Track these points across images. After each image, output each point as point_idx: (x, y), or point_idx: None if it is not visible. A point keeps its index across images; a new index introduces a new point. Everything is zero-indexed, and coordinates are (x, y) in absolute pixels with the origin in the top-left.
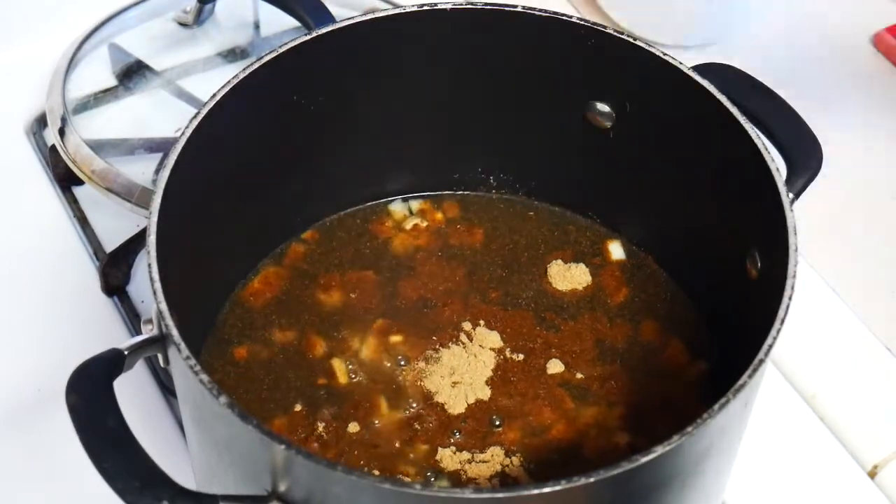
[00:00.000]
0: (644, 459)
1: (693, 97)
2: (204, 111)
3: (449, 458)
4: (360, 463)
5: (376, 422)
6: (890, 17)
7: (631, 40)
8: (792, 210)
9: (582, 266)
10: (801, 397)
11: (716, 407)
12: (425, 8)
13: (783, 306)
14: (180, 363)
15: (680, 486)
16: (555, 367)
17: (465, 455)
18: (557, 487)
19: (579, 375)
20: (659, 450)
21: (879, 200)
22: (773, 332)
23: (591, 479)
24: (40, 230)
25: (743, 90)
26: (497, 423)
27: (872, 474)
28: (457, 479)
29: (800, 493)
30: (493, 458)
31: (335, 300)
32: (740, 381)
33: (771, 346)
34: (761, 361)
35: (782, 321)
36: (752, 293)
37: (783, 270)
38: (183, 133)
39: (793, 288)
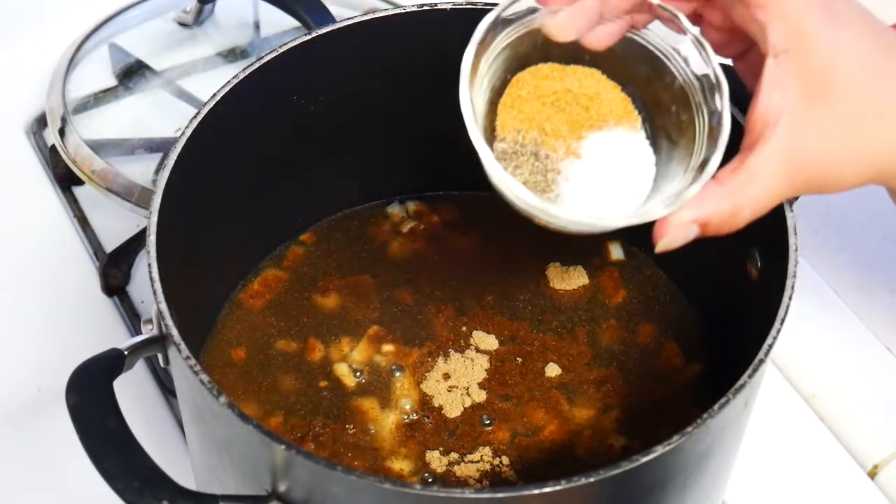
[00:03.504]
0: (644, 459)
1: None
2: (204, 111)
3: (437, 459)
4: (353, 465)
5: (372, 425)
6: (890, 18)
7: None
8: (792, 210)
9: (580, 268)
10: (801, 397)
11: (716, 407)
12: (425, 8)
13: (783, 306)
14: (180, 363)
15: (680, 487)
16: (552, 370)
17: (454, 455)
18: (558, 487)
19: (575, 378)
20: (659, 450)
21: (879, 200)
22: (773, 332)
23: (592, 479)
24: (40, 230)
25: (743, 90)
26: (487, 422)
27: (872, 474)
28: (445, 480)
29: (800, 493)
30: (483, 459)
31: (333, 304)
32: (740, 381)
33: (771, 346)
34: (761, 361)
35: (782, 321)
36: (752, 293)
37: (783, 270)
38: (183, 133)
39: (793, 288)
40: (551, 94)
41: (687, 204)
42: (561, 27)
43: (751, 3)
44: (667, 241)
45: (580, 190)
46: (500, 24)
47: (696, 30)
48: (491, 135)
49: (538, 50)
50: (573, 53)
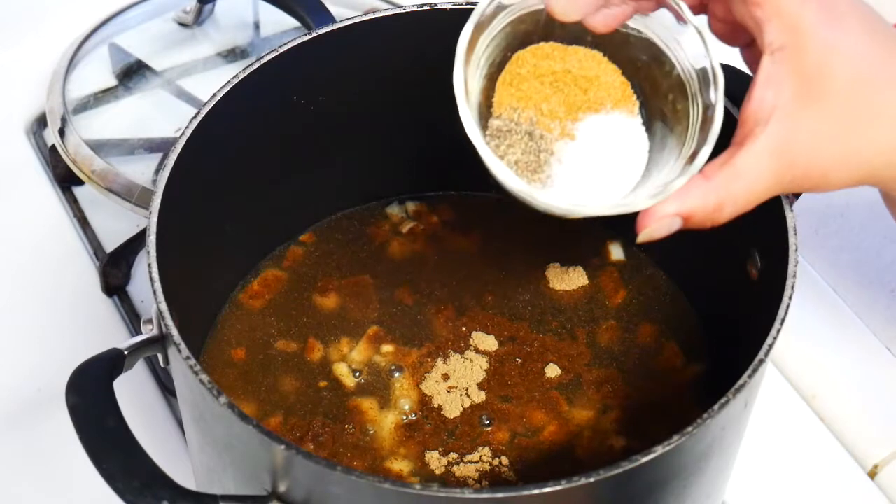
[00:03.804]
0: (644, 459)
1: None
2: (204, 111)
3: (437, 459)
4: (353, 465)
5: (371, 426)
6: (890, 18)
7: None
8: (792, 210)
9: (580, 269)
10: (801, 397)
11: (716, 407)
12: (425, 8)
13: (783, 306)
14: (180, 363)
15: (680, 487)
16: (551, 370)
17: (454, 456)
18: (558, 487)
19: (575, 379)
20: (659, 450)
21: (879, 200)
22: (773, 332)
23: (592, 479)
24: (40, 230)
25: (743, 90)
26: (486, 422)
27: (872, 474)
28: (444, 480)
29: (800, 493)
30: (482, 459)
31: (333, 304)
32: (740, 381)
33: (771, 346)
34: (761, 361)
35: (782, 321)
36: (752, 293)
37: (783, 270)
38: (183, 133)
39: (793, 288)
40: (550, 74)
41: (671, 196)
42: (565, 7)
43: (748, 0)
44: (648, 231)
45: (572, 172)
46: (502, 2)
47: (697, 20)
48: (487, 111)
49: (540, 28)
50: (576, 34)
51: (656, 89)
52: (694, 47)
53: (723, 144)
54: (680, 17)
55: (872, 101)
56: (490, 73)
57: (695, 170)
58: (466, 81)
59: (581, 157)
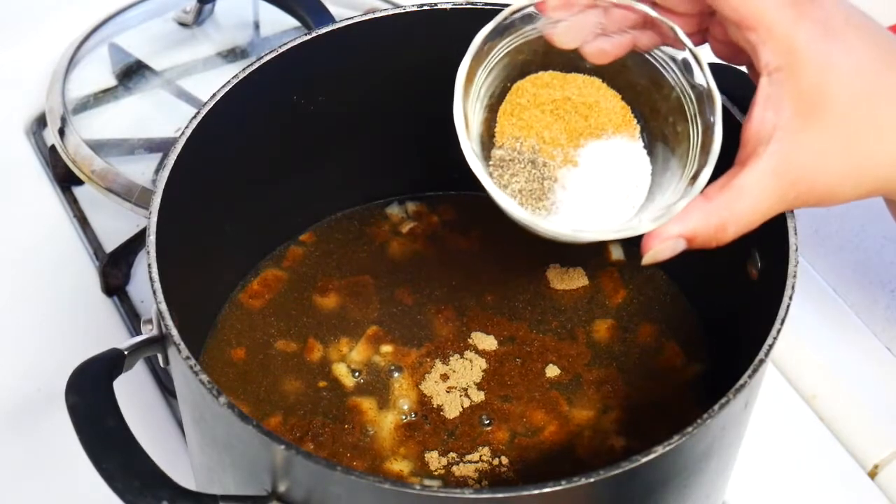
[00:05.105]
0: (644, 460)
1: None
2: (204, 111)
3: (436, 459)
4: (352, 465)
5: (371, 426)
6: (890, 18)
7: None
8: (792, 210)
9: (580, 269)
10: (801, 398)
11: (716, 407)
12: (425, 8)
13: (783, 306)
14: (180, 363)
15: (681, 487)
16: (551, 370)
17: (453, 455)
18: (558, 487)
19: (575, 379)
20: (659, 450)
21: (879, 200)
22: (773, 332)
23: (592, 479)
24: (40, 230)
25: (743, 90)
26: (486, 422)
27: (872, 474)
28: (444, 480)
29: (800, 493)
30: (482, 459)
31: (332, 304)
32: (741, 381)
33: (771, 346)
34: (762, 361)
35: (782, 321)
36: (752, 293)
37: (783, 270)
38: (183, 133)
39: (793, 288)
40: (550, 103)
41: (674, 218)
42: (563, 35)
43: (741, 25)
44: (652, 253)
45: (576, 198)
46: (499, 32)
47: (692, 45)
48: (490, 142)
49: (539, 58)
50: (574, 62)
51: (656, 112)
52: (691, 69)
53: (725, 166)
54: (675, 42)
55: (873, 115)
56: (490, 104)
57: (696, 191)
58: (466, 114)
59: (585, 183)
